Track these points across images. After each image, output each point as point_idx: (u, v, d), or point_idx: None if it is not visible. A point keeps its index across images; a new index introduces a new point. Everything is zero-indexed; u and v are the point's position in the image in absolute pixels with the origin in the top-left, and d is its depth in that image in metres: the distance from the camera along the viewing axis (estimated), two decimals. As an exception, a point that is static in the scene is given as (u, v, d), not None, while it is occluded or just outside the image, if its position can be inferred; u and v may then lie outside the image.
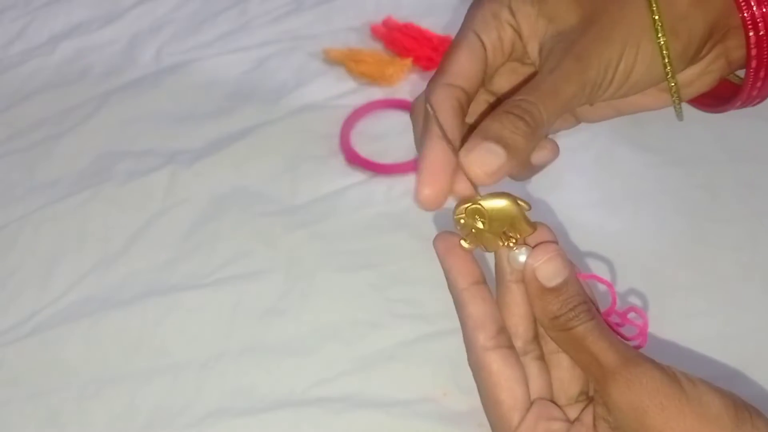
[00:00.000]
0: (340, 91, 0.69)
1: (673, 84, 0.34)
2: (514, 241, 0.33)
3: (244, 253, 0.59)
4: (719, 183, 0.61)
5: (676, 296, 0.54)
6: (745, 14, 0.33)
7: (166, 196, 0.62)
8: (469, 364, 0.34)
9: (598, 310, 0.34)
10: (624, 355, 0.31)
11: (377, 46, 0.72)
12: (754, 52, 0.34)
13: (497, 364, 0.33)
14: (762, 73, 0.34)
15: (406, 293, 0.56)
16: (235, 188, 0.63)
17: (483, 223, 0.32)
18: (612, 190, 0.62)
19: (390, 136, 0.65)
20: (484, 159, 0.30)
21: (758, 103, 0.37)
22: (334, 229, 0.60)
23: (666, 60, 0.33)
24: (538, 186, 0.61)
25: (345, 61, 0.70)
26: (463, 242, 0.33)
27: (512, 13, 0.35)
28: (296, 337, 0.54)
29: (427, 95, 0.34)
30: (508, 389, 0.33)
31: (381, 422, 0.50)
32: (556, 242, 0.34)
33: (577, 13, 0.34)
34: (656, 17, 0.33)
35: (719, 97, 0.38)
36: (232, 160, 0.65)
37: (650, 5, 0.33)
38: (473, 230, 0.33)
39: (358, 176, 0.63)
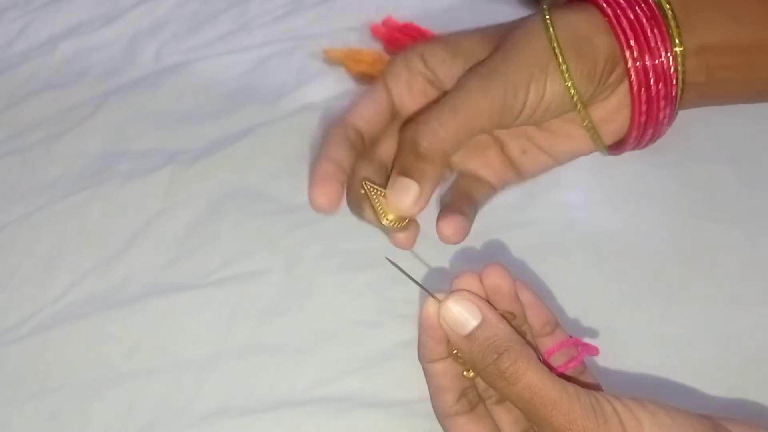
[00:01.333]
0: (340, 92, 0.69)
1: (579, 106, 0.35)
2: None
3: (244, 253, 0.59)
4: (719, 183, 0.61)
5: (676, 296, 0.54)
6: (629, 65, 0.35)
7: (166, 196, 0.62)
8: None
9: (535, 348, 0.34)
10: (568, 417, 0.29)
11: (377, 46, 0.72)
12: (636, 99, 0.36)
13: (456, 431, 0.35)
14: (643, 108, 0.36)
15: (406, 293, 0.55)
16: (235, 188, 0.63)
17: None
18: (612, 190, 0.62)
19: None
20: (402, 196, 0.34)
21: (647, 143, 0.40)
22: (334, 229, 0.60)
23: (569, 83, 0.34)
24: (538, 186, 0.61)
25: (345, 61, 0.70)
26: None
27: (424, 61, 0.37)
28: (296, 337, 0.54)
29: (326, 128, 0.37)
30: None
31: (381, 422, 0.50)
32: (508, 276, 0.35)
33: (489, 47, 0.36)
34: (555, 43, 0.34)
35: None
36: (232, 160, 0.65)
37: (547, 31, 0.34)
38: None
39: (358, 176, 0.63)
